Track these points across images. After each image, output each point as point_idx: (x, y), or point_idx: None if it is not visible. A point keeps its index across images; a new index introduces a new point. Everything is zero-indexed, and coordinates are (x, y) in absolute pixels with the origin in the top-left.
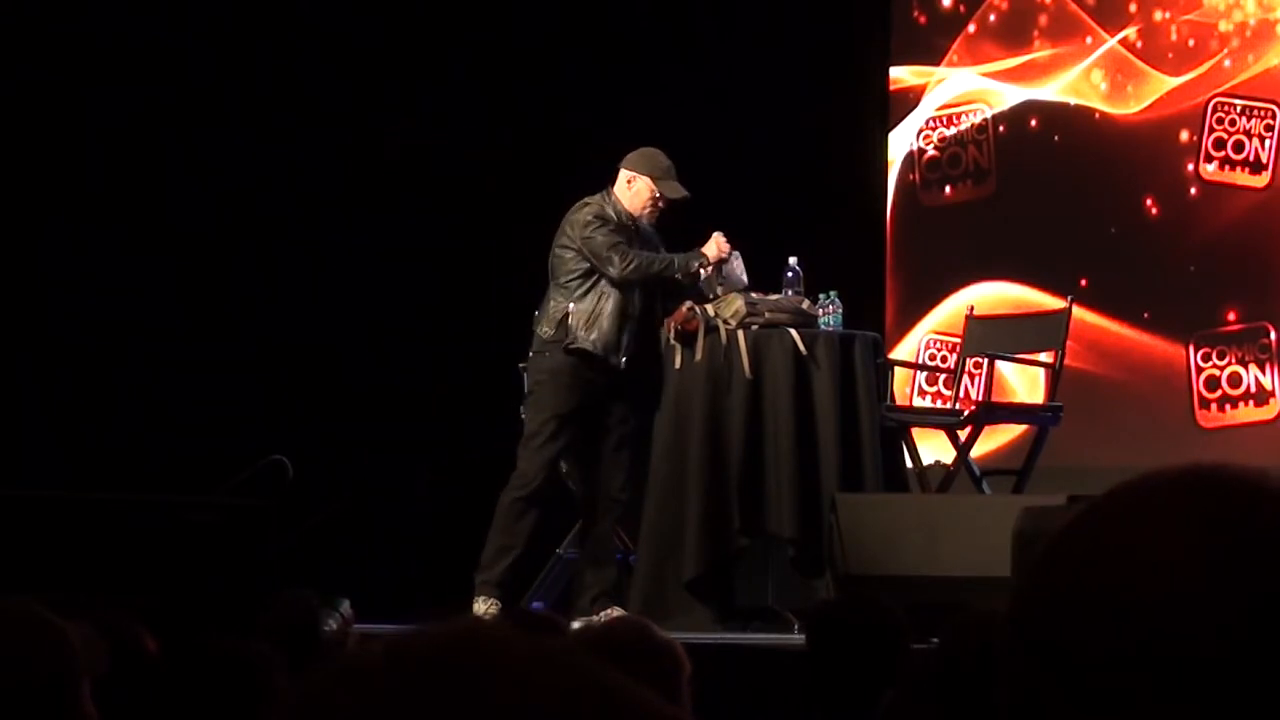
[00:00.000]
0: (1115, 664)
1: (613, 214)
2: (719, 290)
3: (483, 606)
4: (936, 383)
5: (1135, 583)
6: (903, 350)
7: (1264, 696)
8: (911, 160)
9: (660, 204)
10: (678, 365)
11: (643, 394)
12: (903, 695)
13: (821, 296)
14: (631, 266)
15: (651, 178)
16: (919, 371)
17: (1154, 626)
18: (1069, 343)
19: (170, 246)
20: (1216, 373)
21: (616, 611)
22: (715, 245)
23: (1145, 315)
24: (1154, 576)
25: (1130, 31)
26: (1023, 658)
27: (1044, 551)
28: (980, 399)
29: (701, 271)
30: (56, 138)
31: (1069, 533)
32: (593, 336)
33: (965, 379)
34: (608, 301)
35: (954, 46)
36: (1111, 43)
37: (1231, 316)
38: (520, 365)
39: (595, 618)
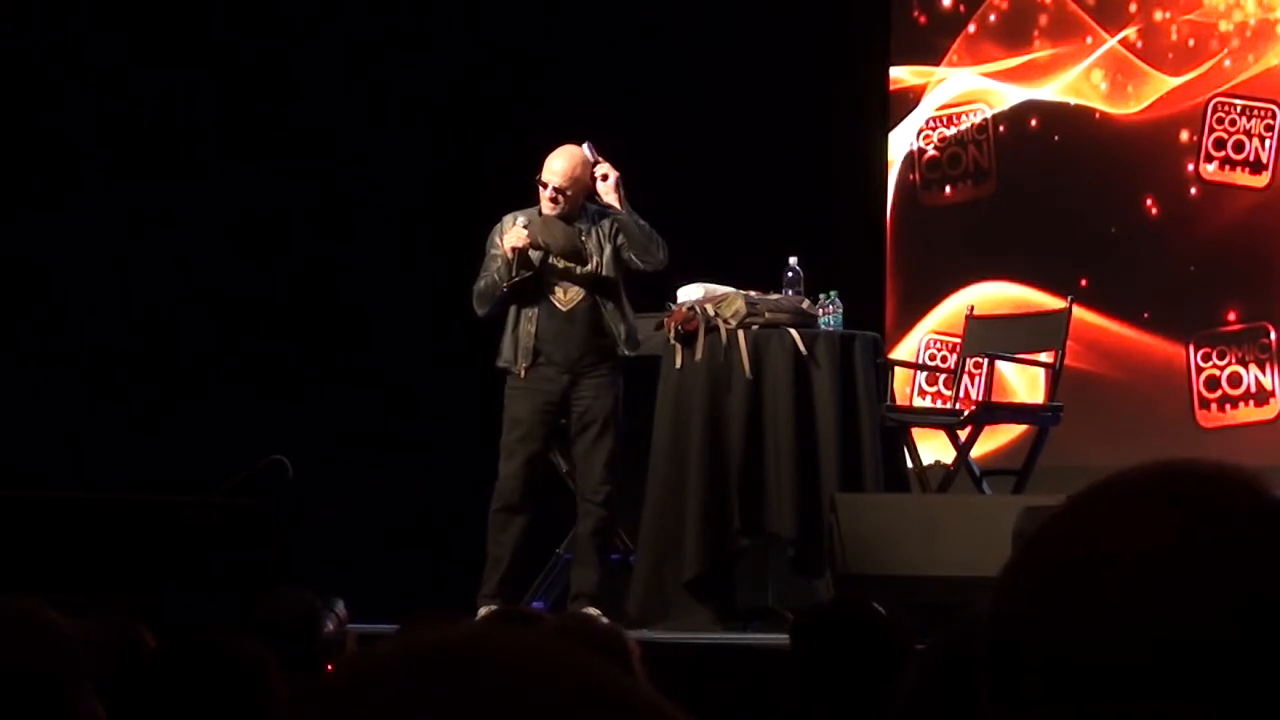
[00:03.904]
0: (1100, 660)
1: (499, 234)
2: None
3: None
4: (936, 383)
5: (1119, 579)
6: (903, 350)
7: (1251, 691)
8: (911, 160)
9: (540, 184)
10: (678, 365)
11: (642, 394)
12: (904, 696)
13: (821, 296)
14: (474, 296)
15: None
16: (919, 371)
17: (1138, 622)
18: (1069, 343)
19: (170, 246)
20: (1216, 373)
21: (589, 611)
22: (514, 237)
23: (1145, 315)
24: (1137, 573)
25: (1130, 31)
26: (1005, 655)
27: (1024, 549)
28: (980, 399)
29: (517, 257)
30: (47, 133)
31: (1049, 531)
32: (501, 357)
33: (965, 379)
34: (506, 320)
35: (954, 46)
36: (1111, 43)
37: (1231, 316)
38: None
39: None
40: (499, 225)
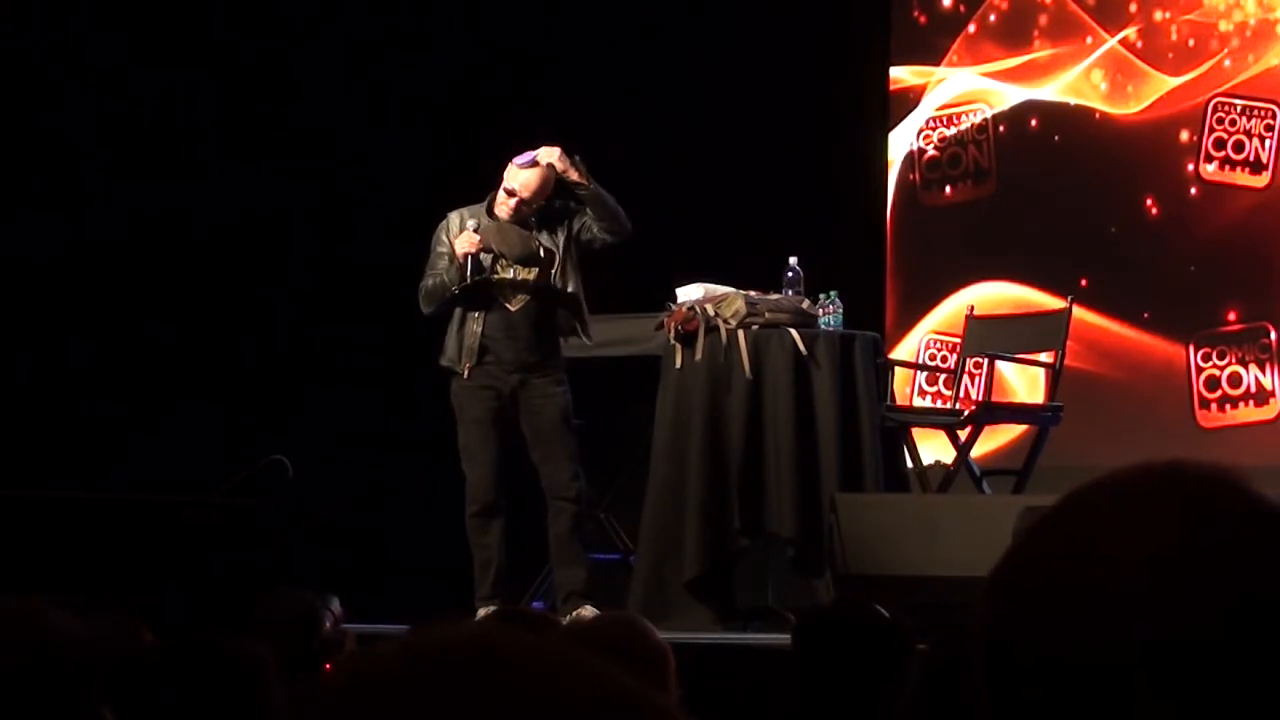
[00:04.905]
0: (1095, 662)
1: (456, 226)
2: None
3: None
4: (936, 383)
5: (1114, 580)
6: (903, 350)
7: (1247, 693)
8: (911, 160)
9: (506, 193)
10: (678, 365)
11: (642, 394)
12: (906, 696)
13: (821, 296)
14: (421, 294)
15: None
16: (919, 371)
17: (1133, 624)
18: (1069, 343)
19: (170, 245)
20: (1216, 373)
21: (588, 609)
22: (465, 242)
23: (1145, 315)
24: (1133, 574)
25: (1130, 31)
26: (1001, 656)
27: (1017, 550)
28: (980, 399)
29: (470, 262)
30: (47, 133)
31: (1042, 531)
32: (445, 356)
33: (965, 379)
34: (452, 319)
35: (954, 46)
36: (1111, 43)
37: (1231, 316)
38: None
39: (570, 616)
40: (445, 223)
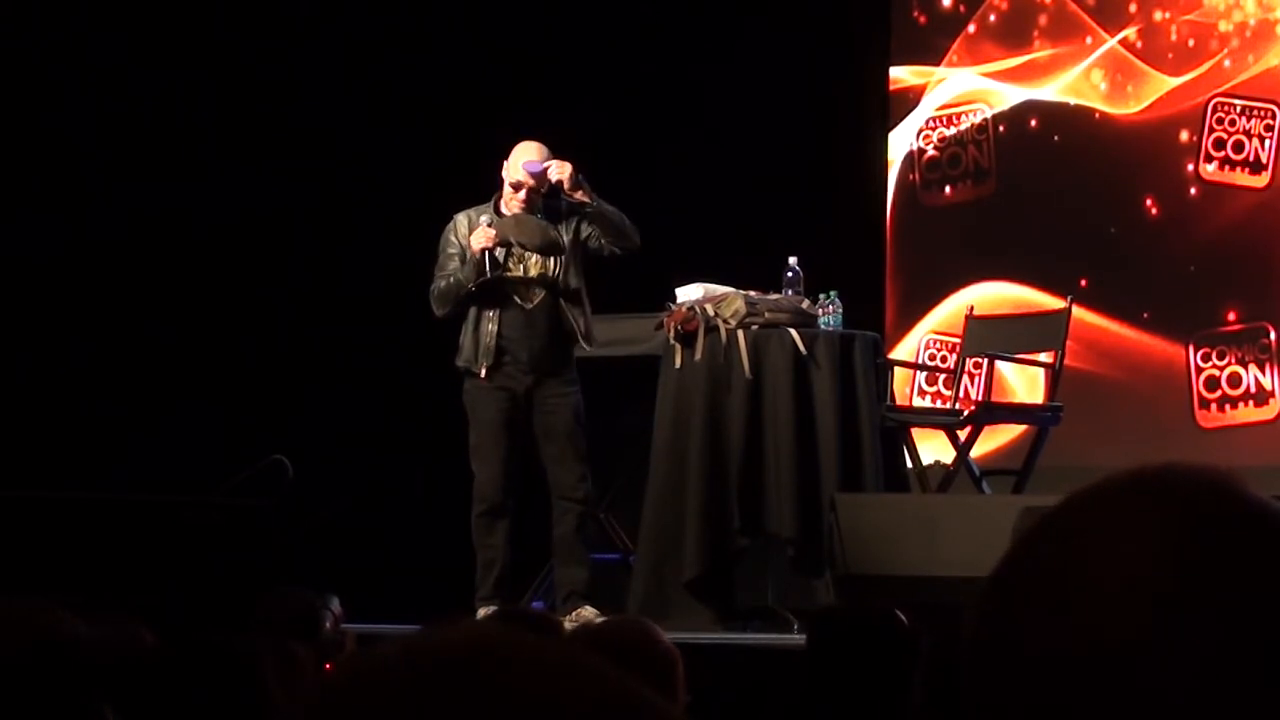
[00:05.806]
0: (1093, 667)
1: (465, 227)
2: (521, 240)
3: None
4: (936, 383)
5: (1109, 581)
6: (903, 350)
7: (1244, 694)
8: (911, 160)
9: (512, 187)
10: (678, 365)
11: (642, 394)
12: (913, 700)
13: (821, 296)
14: (433, 297)
15: (507, 166)
16: (919, 371)
17: (1128, 625)
18: (1069, 343)
19: (170, 245)
20: (1216, 373)
21: (587, 609)
22: (481, 235)
23: (1145, 315)
24: (1127, 576)
25: (1130, 31)
26: (993, 660)
27: (1010, 555)
28: (980, 399)
29: (487, 257)
30: (47, 133)
31: (1037, 535)
32: (461, 356)
33: (965, 379)
34: (467, 319)
35: (954, 46)
36: (1111, 43)
37: (1231, 316)
38: None
39: (570, 617)
40: (452, 225)
